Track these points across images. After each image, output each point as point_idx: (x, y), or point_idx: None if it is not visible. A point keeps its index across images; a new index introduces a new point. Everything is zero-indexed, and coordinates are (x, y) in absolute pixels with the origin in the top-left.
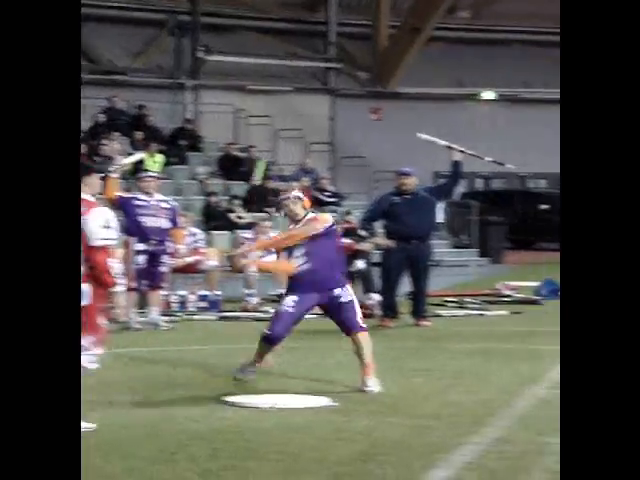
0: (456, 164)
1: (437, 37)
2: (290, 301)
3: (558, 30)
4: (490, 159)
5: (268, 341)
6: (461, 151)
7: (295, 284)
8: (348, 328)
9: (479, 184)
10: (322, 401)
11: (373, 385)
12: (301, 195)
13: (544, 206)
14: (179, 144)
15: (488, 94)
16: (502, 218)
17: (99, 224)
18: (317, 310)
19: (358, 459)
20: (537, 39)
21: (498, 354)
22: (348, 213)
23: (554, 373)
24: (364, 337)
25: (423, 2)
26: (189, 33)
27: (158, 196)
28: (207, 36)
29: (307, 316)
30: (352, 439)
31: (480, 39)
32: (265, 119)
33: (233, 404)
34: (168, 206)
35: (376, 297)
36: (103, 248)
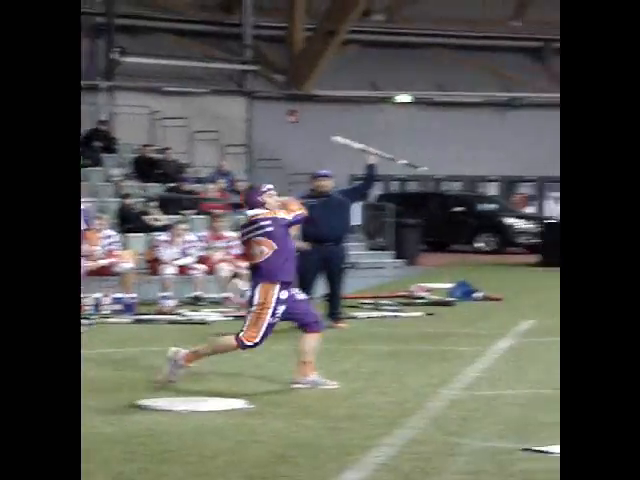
0: (370, 167)
1: (352, 40)
2: (279, 311)
3: (471, 33)
4: (404, 162)
5: (247, 348)
6: (375, 154)
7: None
8: (307, 324)
9: (395, 186)
10: (237, 404)
11: (308, 383)
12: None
13: (458, 208)
14: (93, 146)
15: (403, 97)
16: (417, 220)
17: None
18: None
19: (272, 461)
20: (451, 42)
21: (412, 356)
22: None
23: (466, 374)
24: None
25: (338, 5)
26: (104, 35)
27: None
28: (122, 38)
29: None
30: (267, 441)
31: (394, 42)
32: (181, 121)
33: (148, 407)
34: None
35: None
36: None
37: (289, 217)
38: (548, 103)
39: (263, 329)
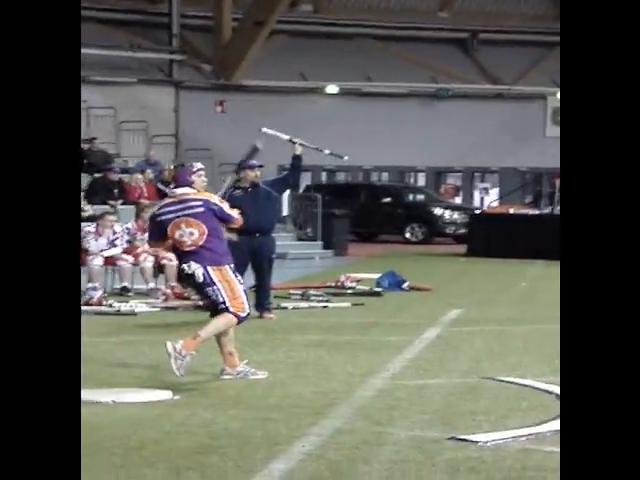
0: (296, 157)
1: (280, 30)
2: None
3: (399, 24)
4: (328, 151)
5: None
6: (302, 144)
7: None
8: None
9: (323, 177)
10: (164, 395)
11: (238, 373)
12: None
13: (386, 199)
14: None
15: (331, 88)
16: (346, 211)
17: None
18: None
19: (199, 452)
20: (378, 33)
21: (340, 346)
22: None
23: (394, 364)
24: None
25: None
26: None
27: None
28: None
29: None
30: (193, 432)
31: (322, 32)
32: (108, 111)
33: None
34: None
35: None
36: None
37: (221, 206)
38: (474, 94)
39: (243, 295)
